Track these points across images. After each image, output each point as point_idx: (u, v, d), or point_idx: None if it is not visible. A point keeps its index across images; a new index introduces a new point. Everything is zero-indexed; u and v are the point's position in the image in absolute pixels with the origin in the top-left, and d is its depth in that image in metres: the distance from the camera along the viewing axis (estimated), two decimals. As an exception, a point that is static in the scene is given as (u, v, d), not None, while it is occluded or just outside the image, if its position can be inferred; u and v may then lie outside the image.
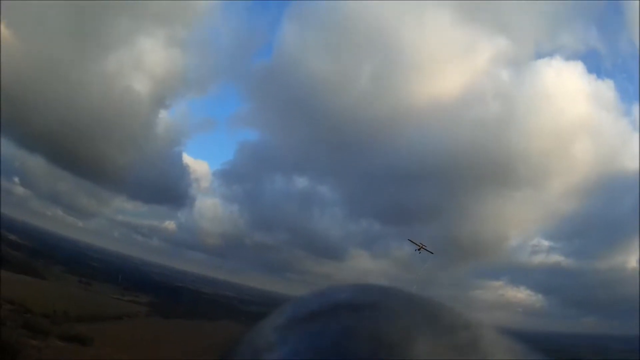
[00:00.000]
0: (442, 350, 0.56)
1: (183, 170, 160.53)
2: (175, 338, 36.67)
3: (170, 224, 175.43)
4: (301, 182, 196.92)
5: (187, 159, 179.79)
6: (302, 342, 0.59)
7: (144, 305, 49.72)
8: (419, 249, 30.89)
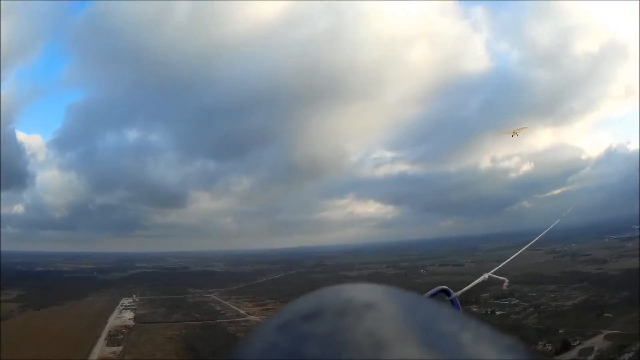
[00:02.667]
0: (442, 350, 0.57)
1: (18, 149, 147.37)
2: (53, 329, 39.14)
3: (19, 208, 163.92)
4: (131, 135, 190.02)
5: (20, 135, 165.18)
6: (302, 342, 0.59)
7: (15, 301, 50.62)
8: (515, 134, 37.88)
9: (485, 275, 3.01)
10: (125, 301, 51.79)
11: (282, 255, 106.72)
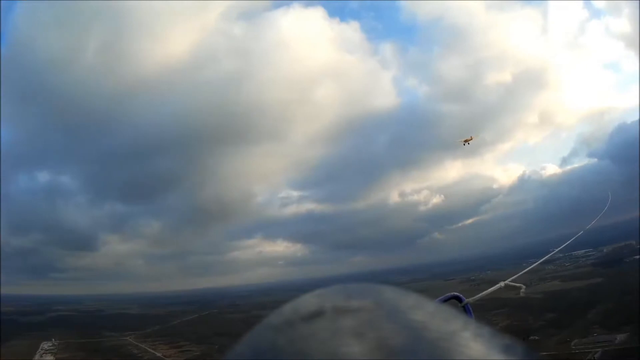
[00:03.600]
0: (442, 350, 0.56)
1: None
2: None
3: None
4: (42, 177, 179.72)
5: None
6: (301, 342, 0.58)
7: None
8: (467, 142, 38.46)
9: (502, 283, 3.05)
10: (45, 345, 52.67)
11: (195, 296, 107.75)
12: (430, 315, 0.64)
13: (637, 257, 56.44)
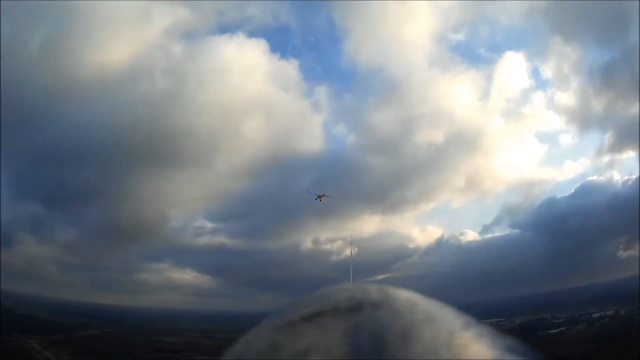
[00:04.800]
0: (442, 350, 0.56)
1: None
2: None
3: None
4: None
5: None
6: (301, 343, 0.58)
7: None
8: (319, 198, 37.19)
9: None
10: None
11: (102, 310, 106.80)
12: (431, 315, 0.64)
13: (552, 331, 56.13)
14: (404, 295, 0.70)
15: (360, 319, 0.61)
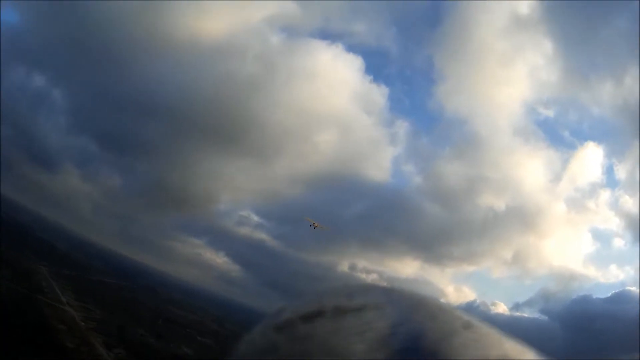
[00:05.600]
0: (442, 350, 0.56)
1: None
2: None
3: None
4: (38, 80, 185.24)
5: None
6: (301, 343, 0.59)
7: None
8: (314, 226, 34.70)
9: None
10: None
11: (122, 262, 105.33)
12: (432, 315, 0.64)
13: None
14: (407, 294, 0.69)
15: (360, 319, 0.61)
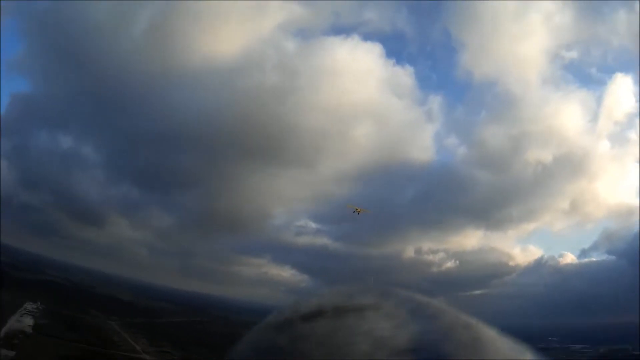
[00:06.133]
0: (442, 351, 0.56)
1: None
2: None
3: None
4: (65, 141, 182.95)
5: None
6: (301, 343, 0.59)
7: None
8: (357, 211, 34.55)
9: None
10: (29, 306, 50.52)
11: (189, 298, 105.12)
12: (431, 315, 0.63)
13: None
14: (404, 296, 0.69)
15: (360, 319, 0.61)
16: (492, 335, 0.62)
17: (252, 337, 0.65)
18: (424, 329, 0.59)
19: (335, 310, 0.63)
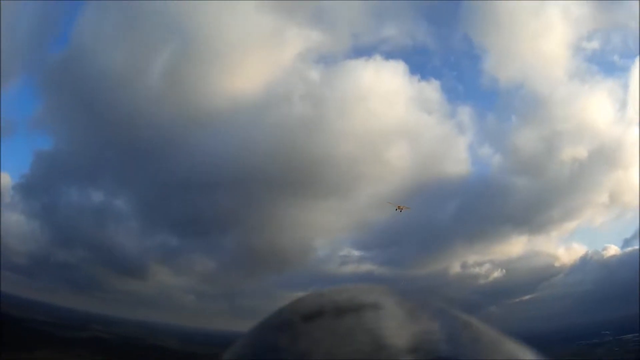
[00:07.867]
0: (442, 351, 0.56)
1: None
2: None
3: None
4: (97, 196, 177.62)
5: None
6: (301, 343, 0.58)
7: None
8: (399, 209, 35.74)
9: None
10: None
11: (237, 337, 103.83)
12: (431, 315, 0.63)
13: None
14: (403, 296, 0.69)
15: (360, 319, 0.61)
16: (492, 335, 0.62)
17: (251, 336, 0.65)
18: (424, 329, 0.59)
19: (335, 310, 0.63)
